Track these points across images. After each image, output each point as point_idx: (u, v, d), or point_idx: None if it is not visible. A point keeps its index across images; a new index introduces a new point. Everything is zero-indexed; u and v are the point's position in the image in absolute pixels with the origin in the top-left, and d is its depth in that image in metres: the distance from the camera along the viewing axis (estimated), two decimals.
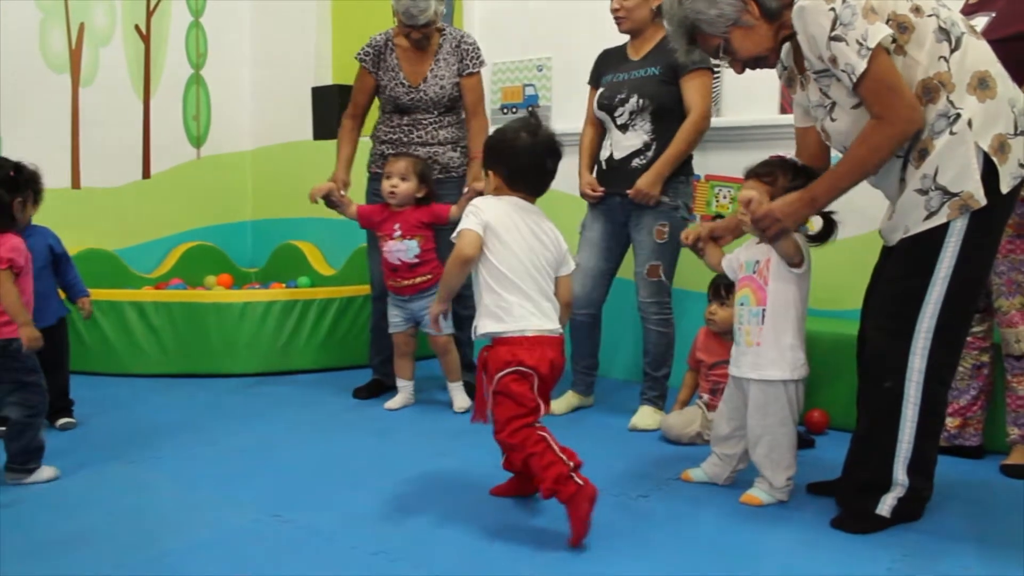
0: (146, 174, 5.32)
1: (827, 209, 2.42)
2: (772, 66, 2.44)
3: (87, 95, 4.99)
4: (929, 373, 2.22)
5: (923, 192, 2.19)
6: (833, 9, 2.14)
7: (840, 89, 2.26)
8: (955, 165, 2.14)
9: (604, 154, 3.48)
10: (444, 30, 3.79)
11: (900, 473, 2.29)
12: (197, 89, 5.58)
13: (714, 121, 3.82)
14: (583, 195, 3.54)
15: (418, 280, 3.58)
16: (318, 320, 4.38)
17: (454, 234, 2.39)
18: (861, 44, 2.11)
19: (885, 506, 2.32)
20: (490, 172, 2.46)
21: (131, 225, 5.18)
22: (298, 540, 2.28)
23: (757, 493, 2.53)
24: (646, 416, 3.37)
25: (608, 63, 3.55)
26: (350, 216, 3.71)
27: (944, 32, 2.17)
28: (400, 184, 3.55)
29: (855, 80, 2.15)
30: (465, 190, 3.65)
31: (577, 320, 3.56)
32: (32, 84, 4.72)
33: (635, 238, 3.42)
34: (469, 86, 3.76)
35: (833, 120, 2.33)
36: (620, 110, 3.39)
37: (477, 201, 2.42)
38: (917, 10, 2.17)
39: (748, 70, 2.44)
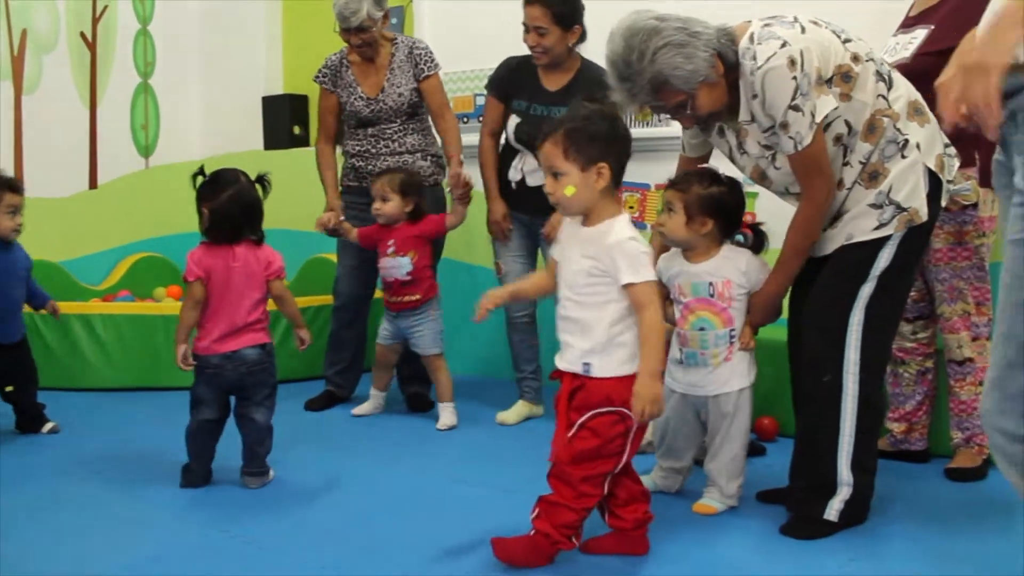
0: (93, 184, 5.22)
1: (756, 221, 2.65)
2: (724, 122, 2.45)
3: (30, 103, 4.88)
4: (863, 364, 2.33)
5: (877, 207, 2.33)
6: (795, 78, 2.21)
7: (788, 143, 2.31)
8: (908, 184, 2.31)
9: (513, 175, 3.52)
10: (395, 39, 3.78)
11: (844, 471, 2.35)
12: (145, 98, 5.49)
13: (666, 131, 3.86)
14: (491, 230, 3.59)
15: (406, 299, 3.55)
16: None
17: (622, 280, 2.03)
18: (812, 117, 2.23)
19: (832, 511, 2.37)
20: (601, 167, 2.06)
21: (78, 236, 5.07)
22: (246, 555, 2.25)
23: (710, 502, 2.55)
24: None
25: (519, 85, 3.52)
26: (353, 240, 3.68)
27: (879, 74, 2.32)
28: (383, 205, 3.51)
29: (799, 149, 2.27)
30: (450, 190, 3.61)
31: (516, 323, 3.60)
32: None
33: (545, 251, 3.49)
34: (429, 89, 3.74)
35: (777, 168, 2.42)
36: None
37: (634, 231, 2.08)
38: (856, 58, 2.29)
39: (696, 126, 2.49)
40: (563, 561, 2.17)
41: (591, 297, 2.09)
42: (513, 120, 3.48)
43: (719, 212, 2.49)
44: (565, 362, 2.14)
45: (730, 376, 2.50)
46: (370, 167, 3.73)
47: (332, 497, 2.69)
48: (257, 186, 2.81)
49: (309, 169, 3.90)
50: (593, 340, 2.08)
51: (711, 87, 2.30)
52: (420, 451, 3.21)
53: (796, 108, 2.23)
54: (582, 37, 3.43)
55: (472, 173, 3.64)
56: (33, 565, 2.19)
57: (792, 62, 2.20)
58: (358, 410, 3.72)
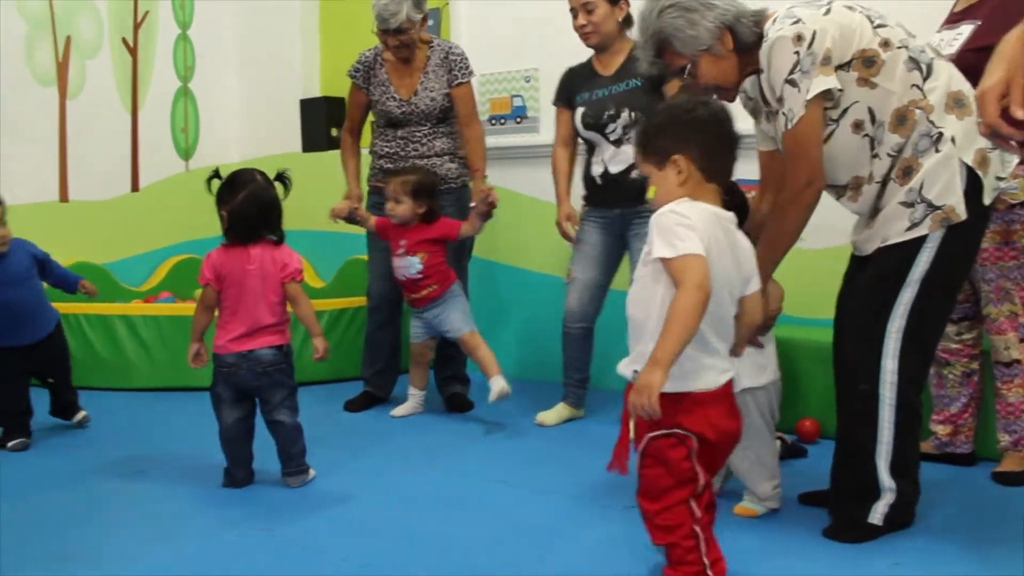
0: (135, 187, 5.30)
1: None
2: (731, 100, 2.43)
3: (74, 108, 4.96)
4: (902, 374, 2.26)
5: (909, 205, 2.24)
6: (797, 53, 2.19)
7: (782, 120, 2.29)
8: (941, 180, 2.21)
9: (596, 170, 3.48)
10: (432, 42, 3.78)
11: (885, 477, 2.30)
12: (185, 101, 5.56)
13: None
14: (560, 230, 3.57)
15: (424, 292, 3.57)
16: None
17: (654, 254, 1.77)
18: (807, 94, 2.19)
19: (877, 514, 2.33)
20: (675, 158, 1.87)
21: (120, 238, 5.15)
22: (287, 554, 2.26)
23: (750, 504, 2.53)
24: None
25: (578, 82, 3.53)
26: (370, 229, 3.73)
27: (914, 61, 2.24)
28: (395, 207, 3.54)
29: (789, 127, 2.23)
30: (472, 205, 3.63)
31: (571, 334, 3.56)
32: (19, 97, 4.68)
33: (633, 247, 3.43)
34: (460, 96, 3.75)
35: None
36: (612, 126, 3.40)
37: (679, 207, 1.81)
38: (886, 44, 2.23)
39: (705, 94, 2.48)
40: (600, 556, 2.16)
41: (642, 291, 1.85)
42: (579, 112, 3.48)
43: None
44: (621, 366, 1.90)
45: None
46: (398, 168, 3.73)
47: (372, 497, 2.71)
48: (278, 185, 2.81)
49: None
50: (642, 343, 1.81)
51: (715, 59, 2.32)
52: (459, 451, 3.21)
53: (792, 83, 2.20)
54: (628, 19, 3.42)
55: (505, 176, 3.64)
56: (79, 562, 2.23)
57: (798, 37, 2.18)
58: (397, 411, 3.72)
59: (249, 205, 2.72)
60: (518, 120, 4.48)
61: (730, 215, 1.87)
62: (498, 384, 3.49)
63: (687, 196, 1.85)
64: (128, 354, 4.22)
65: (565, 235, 3.60)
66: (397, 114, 3.74)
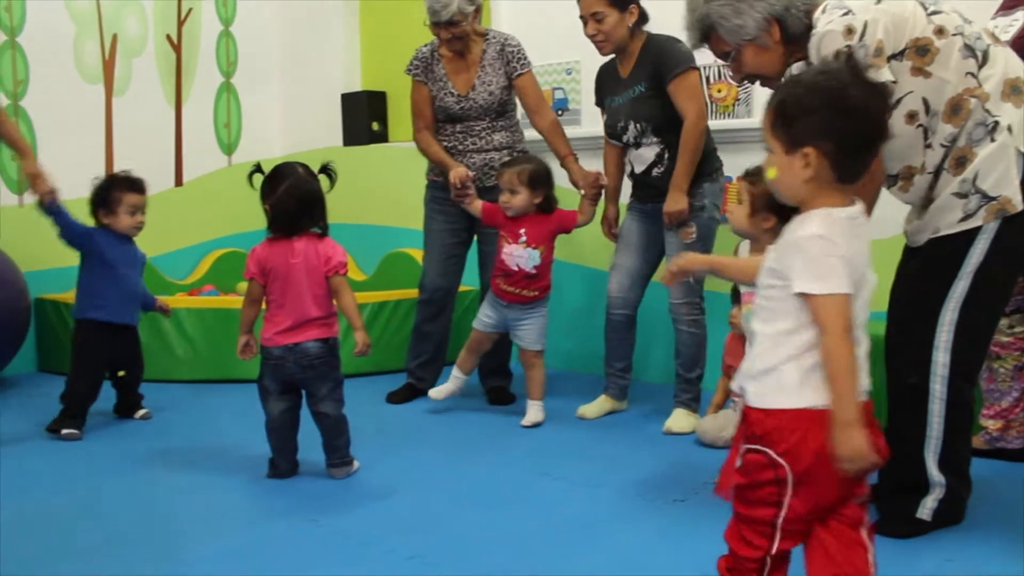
0: (179, 182, 5.37)
1: None
2: (774, 89, 2.40)
3: (120, 104, 5.04)
4: (953, 368, 2.22)
5: (962, 195, 2.20)
6: (849, 46, 2.14)
7: None
8: (996, 171, 2.16)
9: (627, 169, 3.54)
10: (487, 35, 3.76)
11: (934, 472, 2.27)
12: (228, 97, 5.62)
13: (748, 122, 3.79)
14: (604, 232, 3.63)
15: (526, 293, 3.48)
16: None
17: (796, 287, 1.51)
18: None
19: (926, 509, 2.30)
20: (807, 152, 1.54)
21: (164, 232, 5.21)
22: (333, 544, 2.28)
23: None
24: (680, 419, 3.34)
25: (606, 84, 3.53)
26: (474, 211, 3.61)
27: (969, 49, 2.19)
28: (511, 198, 3.46)
29: None
30: (582, 192, 3.58)
31: (614, 320, 3.56)
32: (67, 95, 4.77)
33: (667, 239, 3.43)
34: (524, 87, 3.73)
35: None
36: (625, 136, 3.42)
37: (826, 229, 1.51)
38: (940, 31, 2.18)
39: (747, 82, 2.46)
40: (644, 550, 2.15)
41: (766, 303, 1.62)
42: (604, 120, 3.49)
43: (783, 210, 2.43)
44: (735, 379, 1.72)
45: None
46: (510, 160, 3.66)
47: (416, 488, 2.72)
48: (323, 177, 2.82)
49: (388, 165, 3.94)
50: (754, 359, 1.61)
51: (760, 49, 2.30)
52: (501, 444, 3.22)
53: None
54: (643, 17, 3.38)
55: (555, 170, 3.64)
56: (126, 552, 2.26)
57: (849, 30, 2.13)
58: (436, 391, 3.65)
59: (289, 198, 2.73)
60: (560, 112, 4.46)
61: (858, 210, 1.59)
62: (534, 412, 3.49)
63: (820, 192, 1.56)
64: (173, 347, 4.28)
65: (606, 234, 3.64)
66: (455, 109, 3.73)
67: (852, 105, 1.52)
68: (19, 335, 4.17)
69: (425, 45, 3.81)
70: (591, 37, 3.38)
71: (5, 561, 2.18)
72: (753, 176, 2.49)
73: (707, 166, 3.37)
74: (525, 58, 3.74)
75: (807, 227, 1.54)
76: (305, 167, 2.81)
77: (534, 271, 3.47)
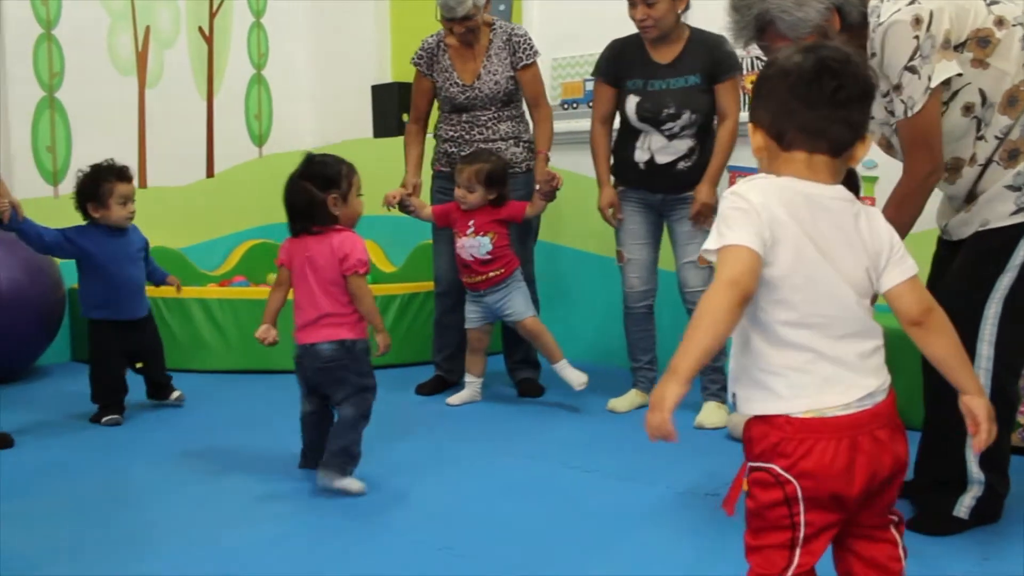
0: (210, 173, 5.40)
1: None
2: None
3: (152, 96, 5.07)
4: (998, 361, 2.18)
5: (1016, 188, 2.17)
6: (917, 37, 2.10)
7: (899, 107, 2.20)
8: None
9: (640, 156, 3.41)
10: (494, 25, 3.76)
11: (974, 468, 2.24)
12: (259, 88, 5.64)
13: None
14: (602, 214, 3.54)
15: (491, 275, 3.57)
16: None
17: (706, 246, 1.42)
18: (929, 81, 2.10)
19: (963, 507, 2.26)
20: (750, 126, 1.51)
21: (196, 223, 5.26)
22: (365, 535, 2.29)
23: None
24: (711, 413, 3.32)
25: (630, 64, 3.44)
26: (424, 219, 3.73)
27: None
28: (467, 195, 3.54)
29: (908, 115, 2.14)
30: (537, 187, 3.63)
31: (635, 314, 3.55)
32: (101, 87, 4.81)
33: (678, 229, 3.43)
34: (526, 78, 3.74)
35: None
36: (670, 124, 3.35)
37: (743, 186, 1.42)
38: (1000, 22, 2.14)
39: None
40: (680, 545, 2.13)
41: None
42: (632, 100, 3.41)
43: None
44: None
45: None
46: (463, 153, 3.73)
47: (447, 480, 2.72)
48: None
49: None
50: (736, 358, 1.47)
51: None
52: (531, 436, 3.21)
53: (912, 70, 2.11)
54: (686, 6, 3.37)
55: (577, 161, 3.63)
56: (162, 538, 2.29)
57: (917, 20, 2.09)
58: (453, 399, 3.69)
59: (285, 202, 2.70)
60: (590, 104, 4.43)
61: (833, 191, 1.43)
62: (571, 373, 3.53)
63: (768, 171, 1.47)
64: (204, 336, 4.31)
65: (608, 220, 3.56)
66: (461, 99, 3.73)
67: (776, 71, 1.46)
68: (53, 326, 4.23)
69: (432, 36, 3.82)
70: (639, 21, 3.33)
71: (38, 547, 2.21)
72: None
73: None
74: (531, 48, 3.73)
75: (727, 190, 1.44)
76: (301, 164, 2.71)
77: (488, 256, 3.54)
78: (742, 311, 1.36)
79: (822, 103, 1.41)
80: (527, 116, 3.86)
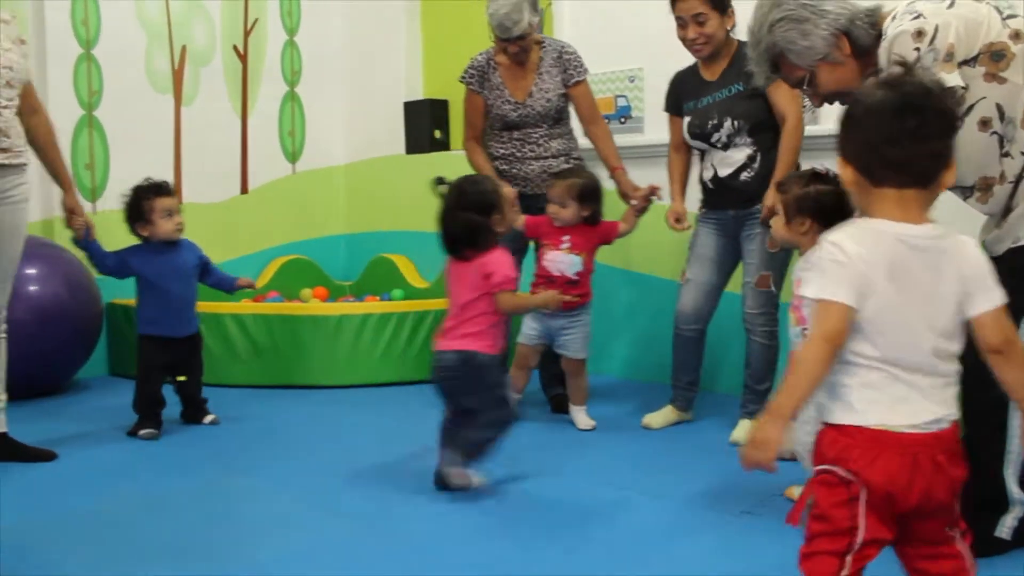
0: (244, 189, 5.46)
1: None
2: None
3: (188, 114, 5.15)
4: None
5: None
6: (918, 49, 2.09)
7: None
8: None
9: (707, 174, 3.42)
10: (543, 42, 3.77)
11: (1014, 488, 2.20)
12: (292, 106, 5.70)
13: (812, 129, 3.73)
14: (669, 224, 3.52)
15: (569, 298, 3.42)
16: (413, 332, 4.41)
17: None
18: None
19: (1005, 528, 2.23)
20: (840, 160, 1.54)
21: (230, 239, 5.31)
22: (395, 552, 2.29)
23: None
24: (747, 430, 3.29)
25: (685, 89, 3.47)
26: (517, 226, 3.58)
27: None
28: (560, 211, 3.48)
29: None
30: (632, 203, 3.59)
31: (684, 336, 3.51)
32: (138, 105, 4.89)
33: (746, 248, 3.37)
34: (579, 95, 3.73)
35: None
36: (716, 135, 3.34)
37: (840, 234, 1.49)
38: (1017, 36, 2.13)
39: (826, 104, 2.40)
40: (712, 561, 2.12)
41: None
42: (685, 121, 3.43)
43: (818, 211, 2.41)
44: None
45: None
46: (514, 170, 3.74)
47: (479, 496, 2.72)
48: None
49: (450, 172, 3.91)
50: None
51: (833, 66, 2.25)
52: (565, 453, 3.21)
53: None
54: (734, 24, 3.36)
55: (607, 178, 3.62)
56: (197, 550, 2.30)
57: (920, 33, 2.08)
58: None
59: (445, 228, 2.80)
60: (622, 120, 4.45)
61: (925, 231, 1.48)
62: (585, 417, 3.54)
63: (866, 204, 1.52)
64: (238, 351, 4.35)
65: (671, 226, 3.53)
66: (513, 117, 3.73)
67: (861, 109, 1.50)
68: (92, 340, 4.29)
69: (481, 53, 3.82)
70: (690, 41, 3.32)
71: (74, 558, 2.24)
72: (782, 186, 2.55)
73: None
74: (582, 65, 3.73)
75: (831, 234, 1.51)
76: (464, 193, 2.80)
77: (576, 277, 3.49)
78: (835, 360, 1.48)
79: (906, 140, 1.45)
80: (574, 134, 3.86)
